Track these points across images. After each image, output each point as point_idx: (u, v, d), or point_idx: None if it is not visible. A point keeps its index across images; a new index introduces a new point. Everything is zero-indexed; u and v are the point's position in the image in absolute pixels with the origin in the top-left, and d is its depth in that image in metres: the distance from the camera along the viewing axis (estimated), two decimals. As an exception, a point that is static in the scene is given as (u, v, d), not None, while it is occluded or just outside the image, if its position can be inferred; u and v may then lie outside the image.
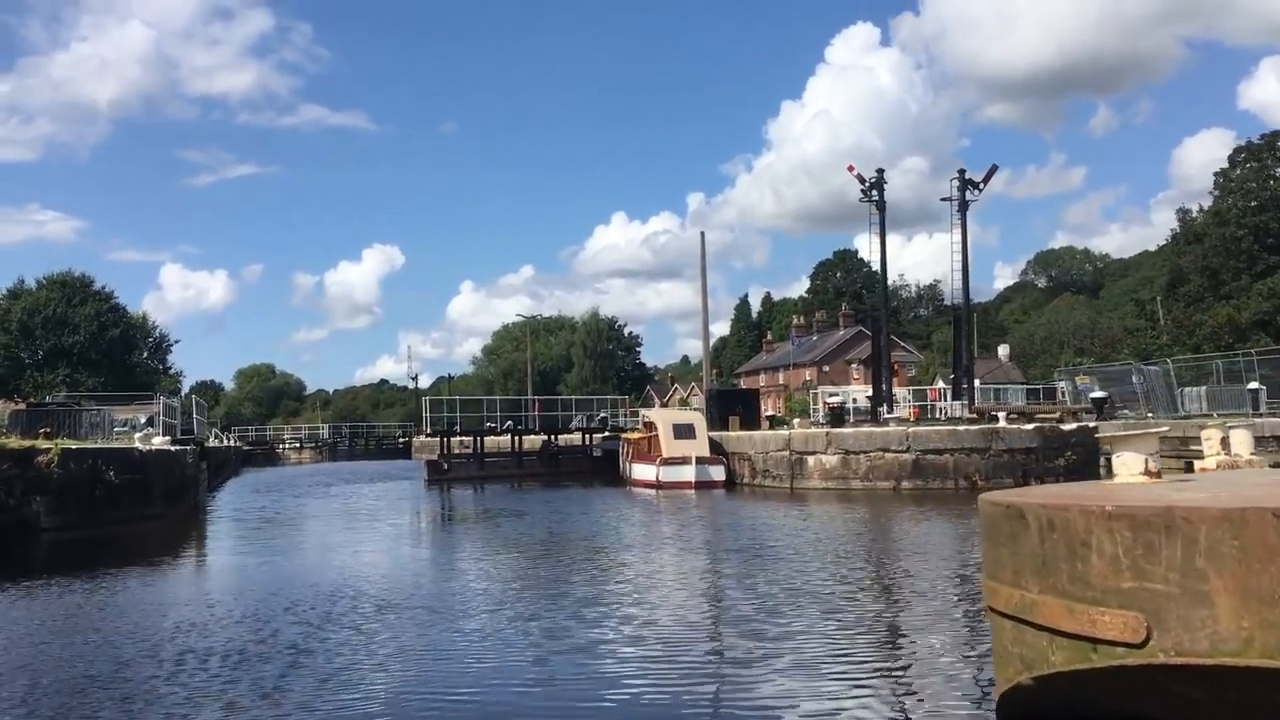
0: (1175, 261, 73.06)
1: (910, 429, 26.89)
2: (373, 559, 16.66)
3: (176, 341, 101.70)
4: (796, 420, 30.13)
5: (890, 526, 20.16)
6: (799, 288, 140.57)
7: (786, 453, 28.65)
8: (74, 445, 21.96)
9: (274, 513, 27.90)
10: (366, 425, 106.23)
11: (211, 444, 46.26)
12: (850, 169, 31.29)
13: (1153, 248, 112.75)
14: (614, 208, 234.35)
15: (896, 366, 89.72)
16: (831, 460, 27.28)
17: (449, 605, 11.66)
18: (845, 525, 20.47)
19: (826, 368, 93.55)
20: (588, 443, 44.48)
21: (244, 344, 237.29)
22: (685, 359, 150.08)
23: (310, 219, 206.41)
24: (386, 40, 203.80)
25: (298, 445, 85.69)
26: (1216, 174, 69.80)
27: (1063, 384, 57.27)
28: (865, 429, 27.72)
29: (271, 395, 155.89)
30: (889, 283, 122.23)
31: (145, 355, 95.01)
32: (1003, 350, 73.35)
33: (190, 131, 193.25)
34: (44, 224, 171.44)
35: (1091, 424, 27.11)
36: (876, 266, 31.35)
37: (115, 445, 24.37)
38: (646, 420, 36.02)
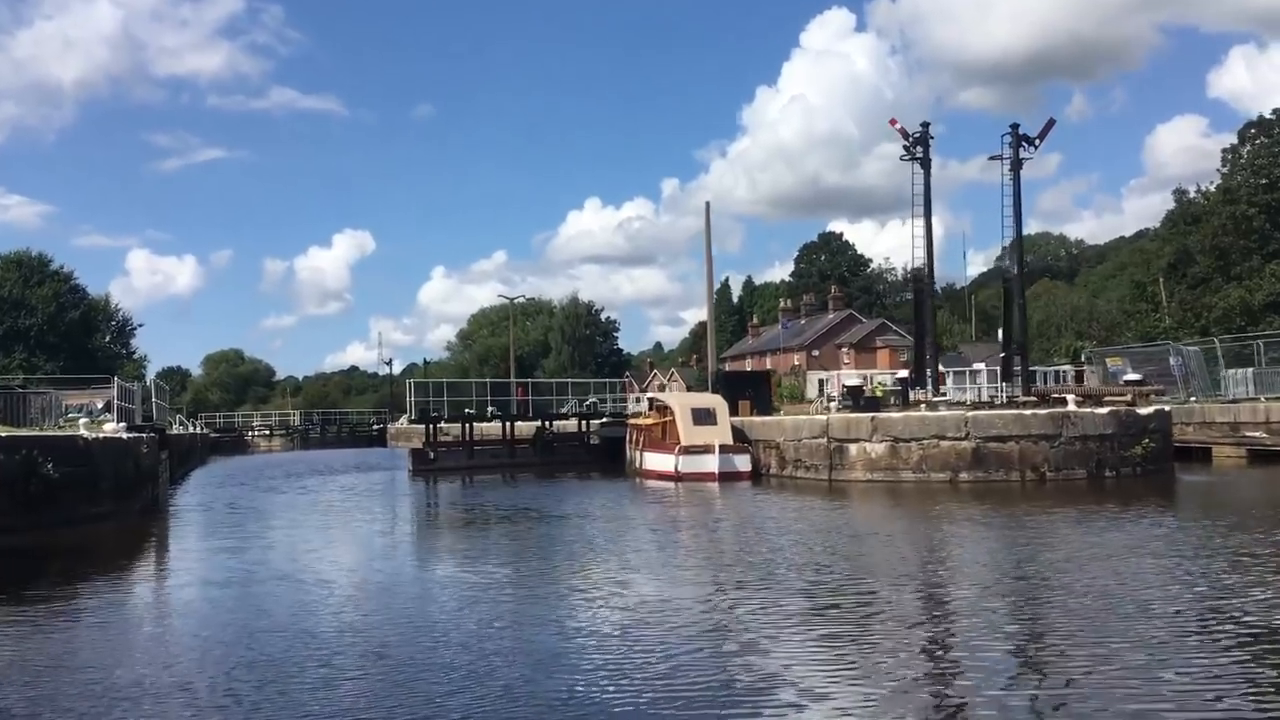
0: (1180, 242, 70.54)
1: (969, 413, 23.80)
2: (364, 590, 12.89)
3: (140, 325, 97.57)
4: (833, 404, 27.05)
5: (977, 535, 17.04)
6: (774, 273, 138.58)
7: (824, 440, 25.47)
8: (4, 433, 18.53)
9: (244, 513, 24.31)
10: (339, 412, 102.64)
11: (175, 431, 42.75)
12: (893, 123, 28.35)
13: (1128, 233, 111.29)
14: (588, 193, 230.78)
15: (890, 350, 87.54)
16: (878, 449, 24.16)
17: (459, 674, 8.39)
18: (925, 530, 17.33)
19: (816, 352, 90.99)
20: (584, 429, 41.15)
21: (212, 330, 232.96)
22: (659, 345, 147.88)
23: (280, 204, 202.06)
24: (359, 23, 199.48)
25: (267, 433, 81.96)
26: (1225, 150, 67.50)
27: (1064, 367, 54.81)
28: (918, 413, 24.57)
29: (240, 382, 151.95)
30: (874, 266, 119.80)
31: (107, 339, 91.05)
32: (1001, 334, 70.57)
33: (158, 114, 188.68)
34: (8, 208, 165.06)
35: (1167, 407, 24.27)
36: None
37: (55, 433, 20.90)
38: (659, 404, 32.74)
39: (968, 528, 17.12)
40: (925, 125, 28.18)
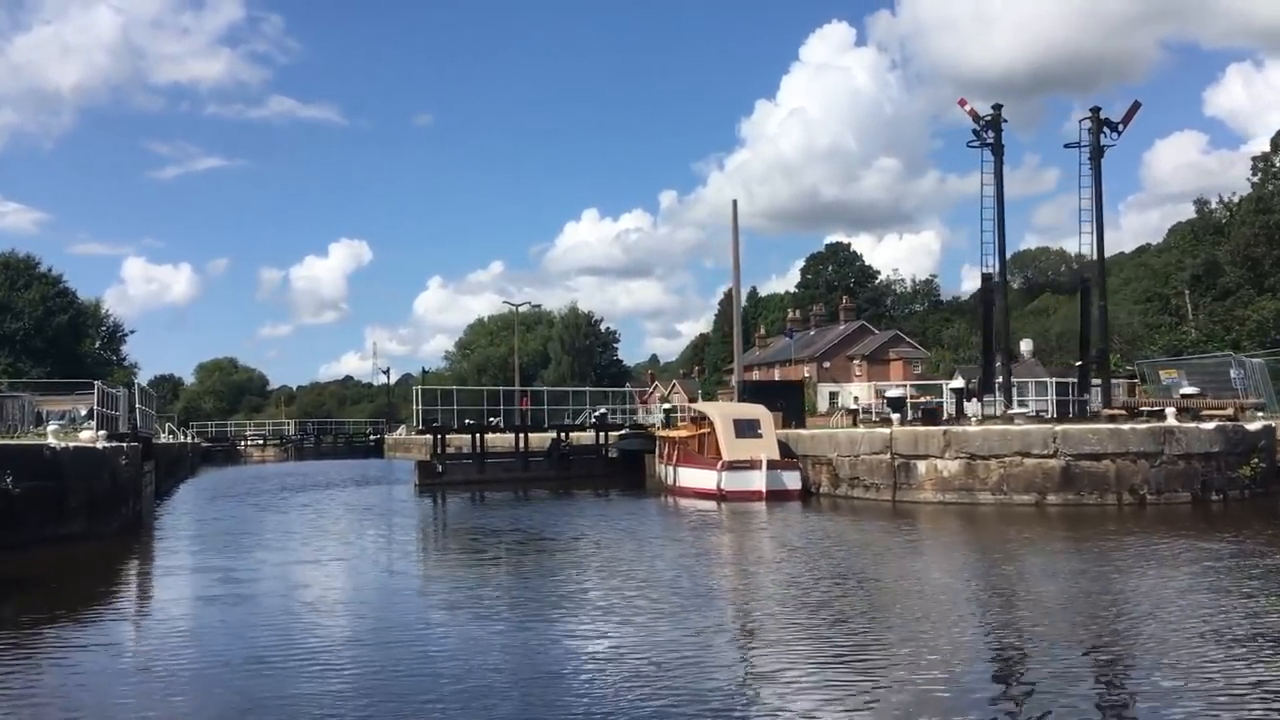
0: (1207, 254, 68.44)
1: (1058, 428, 21.13)
2: (368, 664, 9.29)
3: (132, 331, 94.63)
4: (896, 416, 24.41)
5: (1120, 584, 14.24)
6: (773, 285, 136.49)
7: (886, 456, 22.79)
8: (-44, 442, 15.85)
9: (235, 540, 21.26)
10: (335, 422, 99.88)
11: (163, 440, 40.00)
12: (962, 103, 25.63)
13: (1127, 249, 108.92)
14: (585, 204, 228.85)
15: (903, 363, 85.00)
16: (952, 467, 21.48)
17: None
18: (1064, 583, 14.63)
19: (827, 364, 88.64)
20: (602, 441, 38.39)
21: (207, 339, 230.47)
22: (654, 358, 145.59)
23: (277, 213, 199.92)
24: (358, 32, 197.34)
25: (261, 442, 78.94)
26: (1255, 159, 65.38)
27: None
28: (998, 427, 21.88)
29: (233, 390, 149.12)
30: (882, 278, 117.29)
31: (97, 345, 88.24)
32: (1025, 346, 68.16)
33: (157, 122, 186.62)
34: (4, 215, 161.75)
35: (1274, 422, 21.74)
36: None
37: (17, 442, 18.18)
38: (696, 415, 30.05)
39: (1092, 565, 14.36)
40: (997, 107, 25.50)
